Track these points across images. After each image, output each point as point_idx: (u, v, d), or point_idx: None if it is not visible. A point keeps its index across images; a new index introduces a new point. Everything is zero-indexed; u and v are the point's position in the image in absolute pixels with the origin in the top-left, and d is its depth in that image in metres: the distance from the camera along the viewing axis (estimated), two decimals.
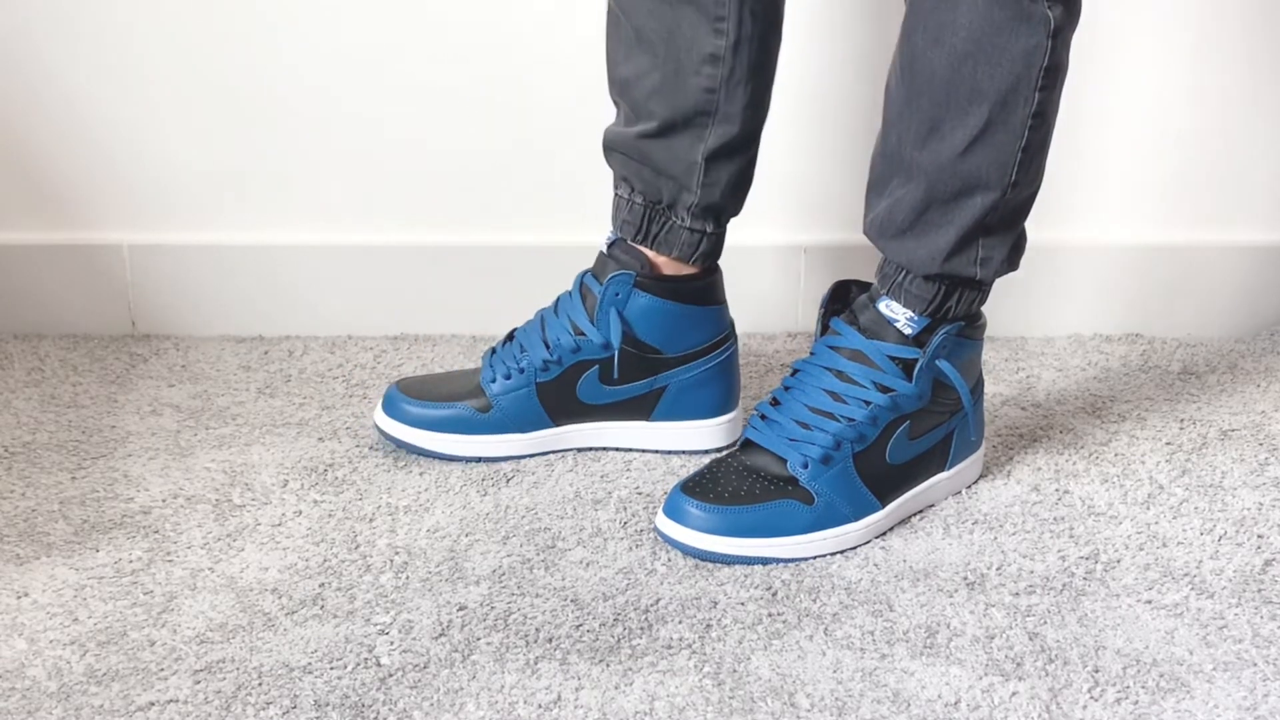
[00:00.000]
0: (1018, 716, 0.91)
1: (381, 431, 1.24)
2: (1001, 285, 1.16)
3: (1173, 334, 1.52)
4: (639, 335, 1.21)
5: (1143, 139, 1.49)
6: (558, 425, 1.23)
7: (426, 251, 1.39)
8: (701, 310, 1.23)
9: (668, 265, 1.22)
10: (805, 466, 1.10)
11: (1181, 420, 1.31)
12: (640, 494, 1.18)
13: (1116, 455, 1.25)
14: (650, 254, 1.21)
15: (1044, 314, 1.52)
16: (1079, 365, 1.45)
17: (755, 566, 1.07)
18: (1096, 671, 0.95)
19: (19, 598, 1.03)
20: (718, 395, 1.25)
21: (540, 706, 0.92)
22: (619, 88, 1.21)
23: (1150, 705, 0.92)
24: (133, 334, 1.52)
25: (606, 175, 1.24)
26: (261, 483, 1.20)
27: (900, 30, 1.11)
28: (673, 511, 1.09)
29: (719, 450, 1.25)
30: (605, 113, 1.26)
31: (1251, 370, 1.43)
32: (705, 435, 1.26)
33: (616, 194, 1.23)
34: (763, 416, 1.14)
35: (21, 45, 1.45)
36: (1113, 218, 1.51)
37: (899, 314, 1.13)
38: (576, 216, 1.46)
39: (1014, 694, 0.93)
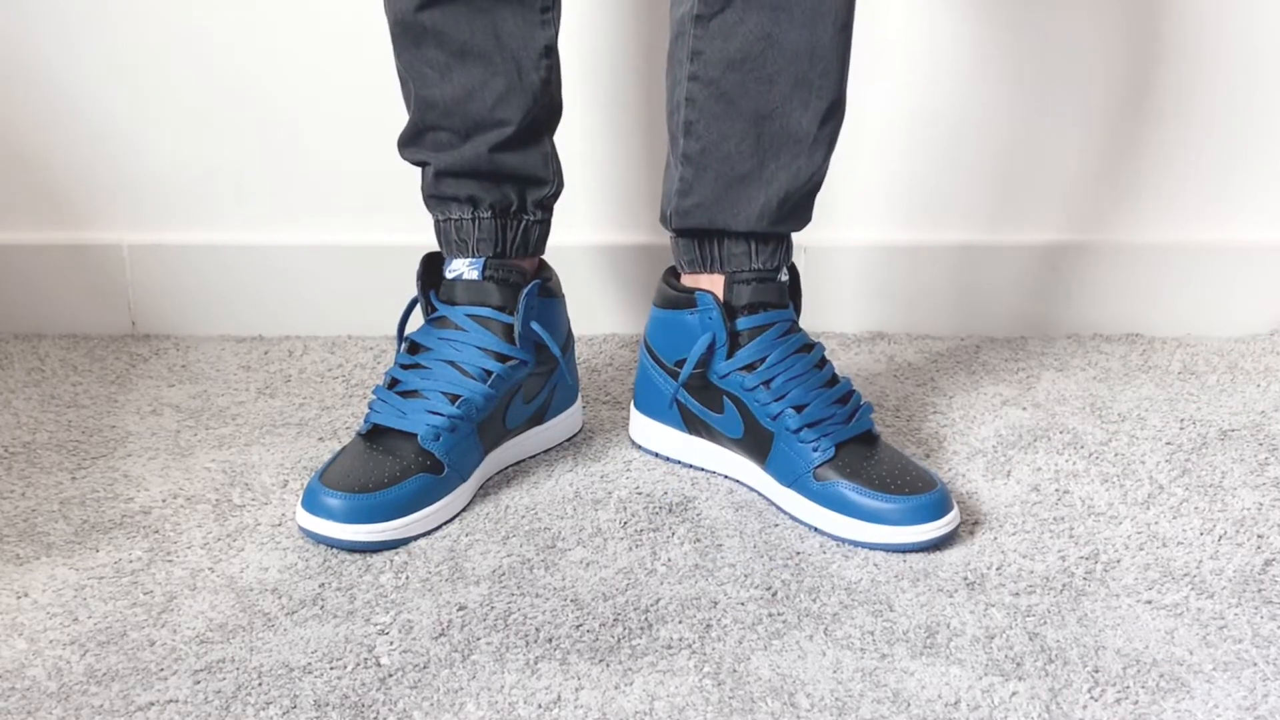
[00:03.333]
0: (1018, 716, 0.91)
1: (330, 539, 1.09)
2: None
3: (1173, 334, 1.52)
4: (548, 341, 1.20)
5: (1143, 139, 1.49)
6: (485, 458, 1.19)
7: (426, 251, 1.38)
8: (563, 299, 1.25)
9: (529, 266, 1.22)
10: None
11: (1181, 420, 1.31)
12: (640, 494, 1.18)
13: (1116, 455, 1.25)
14: (517, 262, 1.20)
15: (1044, 314, 1.51)
16: (1079, 365, 1.44)
17: (755, 566, 1.07)
18: (1096, 671, 0.95)
19: (19, 598, 1.03)
20: (572, 377, 1.27)
21: (540, 706, 0.92)
22: (441, 112, 1.16)
23: (1150, 705, 0.92)
24: (133, 334, 1.52)
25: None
26: (261, 483, 1.20)
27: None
28: None
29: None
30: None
31: (1251, 370, 1.43)
32: (575, 419, 1.28)
33: (454, 220, 1.19)
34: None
35: (21, 44, 1.45)
36: (1113, 217, 1.51)
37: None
38: (576, 217, 1.46)
39: (1014, 694, 0.93)
